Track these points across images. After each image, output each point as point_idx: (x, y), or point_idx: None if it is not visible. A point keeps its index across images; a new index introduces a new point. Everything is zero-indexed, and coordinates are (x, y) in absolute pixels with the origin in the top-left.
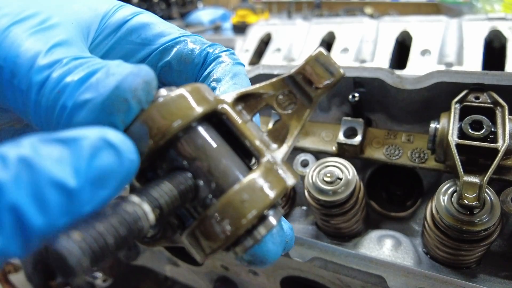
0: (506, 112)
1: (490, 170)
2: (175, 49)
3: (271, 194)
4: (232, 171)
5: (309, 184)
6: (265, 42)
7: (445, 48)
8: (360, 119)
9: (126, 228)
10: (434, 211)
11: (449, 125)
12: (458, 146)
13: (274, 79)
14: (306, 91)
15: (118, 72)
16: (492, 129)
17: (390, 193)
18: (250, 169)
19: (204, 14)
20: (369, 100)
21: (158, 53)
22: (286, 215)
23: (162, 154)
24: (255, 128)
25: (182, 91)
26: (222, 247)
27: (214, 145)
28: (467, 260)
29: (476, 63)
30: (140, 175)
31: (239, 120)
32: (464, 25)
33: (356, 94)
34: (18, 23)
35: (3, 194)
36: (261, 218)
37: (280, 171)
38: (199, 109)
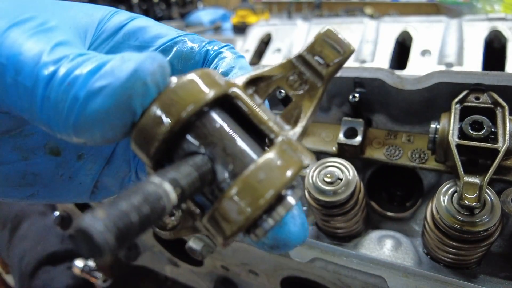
0: (507, 113)
1: (490, 171)
2: (174, 49)
3: (288, 173)
4: (248, 152)
5: (309, 184)
6: (265, 43)
7: (445, 48)
8: (360, 119)
9: (149, 207)
10: (434, 212)
11: (449, 126)
12: (458, 146)
13: (283, 61)
14: (316, 69)
15: (134, 58)
16: (493, 130)
17: (391, 194)
18: (265, 150)
19: (204, 14)
20: (369, 100)
21: None
22: None
23: (178, 140)
24: (267, 110)
25: (193, 76)
26: (242, 229)
27: (228, 127)
28: (467, 260)
29: (476, 63)
30: (156, 165)
31: (251, 103)
32: (464, 26)
33: (356, 94)
34: (16, 26)
35: None
36: (280, 198)
37: (295, 150)
38: (211, 93)
